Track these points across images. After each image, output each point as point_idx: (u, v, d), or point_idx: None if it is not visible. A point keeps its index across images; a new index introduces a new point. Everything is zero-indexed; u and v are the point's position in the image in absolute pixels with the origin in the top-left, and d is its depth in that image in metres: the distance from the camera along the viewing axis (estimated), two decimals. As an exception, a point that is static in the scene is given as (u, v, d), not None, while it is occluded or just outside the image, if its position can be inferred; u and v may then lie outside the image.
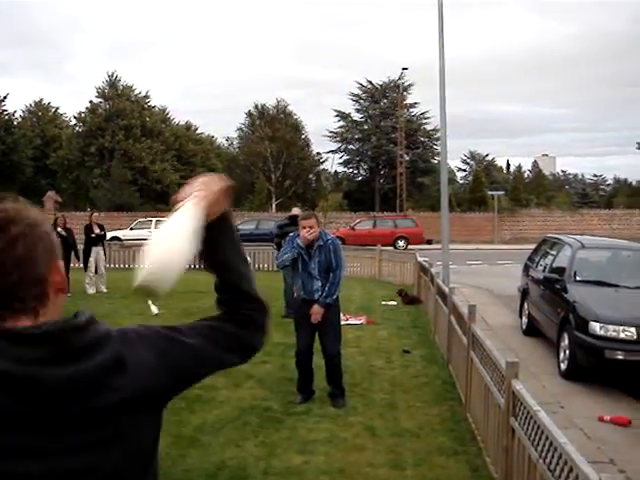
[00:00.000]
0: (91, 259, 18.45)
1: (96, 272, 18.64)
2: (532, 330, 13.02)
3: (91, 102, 65.53)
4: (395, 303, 16.26)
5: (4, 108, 64.13)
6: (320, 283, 8.27)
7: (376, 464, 6.41)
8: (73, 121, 69.43)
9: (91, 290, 18.44)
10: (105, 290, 18.46)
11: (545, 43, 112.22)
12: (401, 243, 38.73)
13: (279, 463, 6.43)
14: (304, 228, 8.25)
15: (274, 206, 59.12)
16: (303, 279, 8.38)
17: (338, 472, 6.21)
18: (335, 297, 8.37)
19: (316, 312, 8.25)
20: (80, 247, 18.61)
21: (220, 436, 7.13)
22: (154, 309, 9.64)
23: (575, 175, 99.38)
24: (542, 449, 4.53)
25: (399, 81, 64.02)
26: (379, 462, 6.46)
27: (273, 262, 20.75)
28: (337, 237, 30.30)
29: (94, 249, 18.50)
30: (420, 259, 17.29)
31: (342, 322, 13.10)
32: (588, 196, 78.54)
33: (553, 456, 4.29)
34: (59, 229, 17.91)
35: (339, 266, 8.34)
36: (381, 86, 67.68)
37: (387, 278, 21.44)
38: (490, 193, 53.30)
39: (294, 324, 8.78)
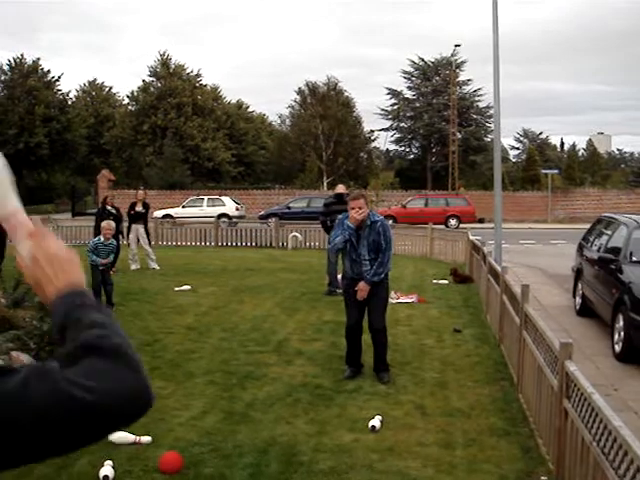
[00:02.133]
0: (131, 236, 18.67)
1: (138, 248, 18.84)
2: (586, 311, 12.84)
3: (144, 81, 66.15)
4: (447, 282, 16.16)
5: (58, 88, 64.98)
6: (369, 264, 8.33)
7: (426, 443, 6.39)
8: (126, 100, 70.23)
9: (133, 266, 18.61)
10: (157, 267, 18.57)
11: (596, 18, 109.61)
12: (453, 222, 38.44)
13: (329, 441, 6.44)
14: (353, 209, 8.26)
15: (325, 184, 59.05)
16: (352, 260, 8.45)
17: (388, 450, 6.21)
18: (382, 276, 8.42)
19: (362, 289, 8.35)
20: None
21: (271, 413, 7.17)
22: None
23: (631, 153, 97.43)
24: (596, 432, 4.47)
25: (451, 58, 63.36)
26: (429, 441, 6.44)
27: (324, 240, 20.78)
28: (388, 215, 30.45)
29: (134, 226, 18.73)
30: (472, 238, 17.15)
31: (393, 300, 13.18)
32: (645, 175, 76.93)
33: (607, 439, 4.22)
34: (108, 207, 18.16)
35: (388, 247, 8.40)
36: (433, 63, 67.04)
37: (439, 257, 21.31)
38: (544, 172, 52.59)
39: (344, 301, 8.83)
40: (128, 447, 6.25)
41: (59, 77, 64.76)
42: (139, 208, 18.78)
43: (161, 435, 6.52)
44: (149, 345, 9.98)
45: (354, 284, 8.42)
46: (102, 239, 12.58)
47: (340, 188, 15.05)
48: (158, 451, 6.05)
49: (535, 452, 6.23)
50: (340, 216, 8.73)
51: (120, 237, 18.70)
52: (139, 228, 18.78)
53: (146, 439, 6.38)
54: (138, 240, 18.76)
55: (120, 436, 6.38)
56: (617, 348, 10.18)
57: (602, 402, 4.49)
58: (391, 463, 5.95)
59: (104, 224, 12.96)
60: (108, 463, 5.72)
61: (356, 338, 8.61)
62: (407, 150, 71.33)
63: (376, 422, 6.74)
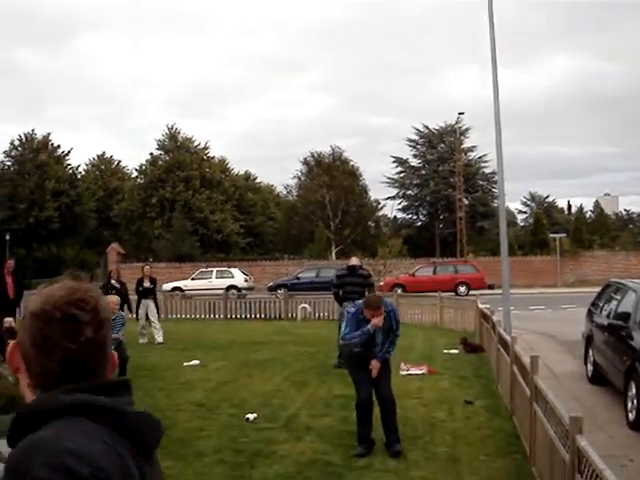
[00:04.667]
0: (141, 311, 18.74)
1: (148, 322, 18.86)
2: (598, 378, 12.71)
3: (151, 154, 67.02)
4: (457, 351, 16.06)
5: (68, 162, 65.89)
6: (381, 346, 8.61)
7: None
8: (134, 173, 71.04)
9: (141, 340, 18.62)
10: (161, 340, 18.55)
11: (594, 83, 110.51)
12: (462, 289, 38.35)
13: (340, 520, 6.36)
14: (373, 316, 8.38)
15: (334, 254, 59.17)
16: (366, 345, 8.56)
17: (401, 530, 6.12)
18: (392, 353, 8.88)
19: (375, 367, 8.55)
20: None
21: (280, 493, 7.09)
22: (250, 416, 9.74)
23: (639, 214, 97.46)
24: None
25: (456, 125, 64.04)
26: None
27: (333, 310, 20.76)
28: (397, 284, 30.42)
29: (143, 301, 18.79)
30: (481, 306, 17.11)
31: (403, 372, 13.11)
32: (653, 234, 76.85)
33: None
34: (113, 281, 18.28)
35: (397, 327, 8.84)
36: (438, 131, 67.78)
37: (449, 325, 21.22)
38: (551, 236, 52.62)
39: (353, 376, 8.85)
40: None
41: (69, 152, 65.76)
42: (147, 284, 18.89)
43: (169, 518, 6.44)
44: (157, 423, 9.89)
45: (365, 360, 8.55)
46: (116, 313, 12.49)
47: (353, 260, 15.20)
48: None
49: (550, 529, 6.12)
50: (352, 309, 8.81)
51: (127, 311, 18.78)
52: (149, 303, 18.85)
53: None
54: (147, 315, 18.80)
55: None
56: (631, 416, 10.04)
57: (612, 476, 4.43)
58: None
59: (110, 299, 12.99)
60: None
61: (369, 413, 8.59)
62: (414, 217, 71.63)
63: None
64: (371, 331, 8.42)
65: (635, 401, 9.90)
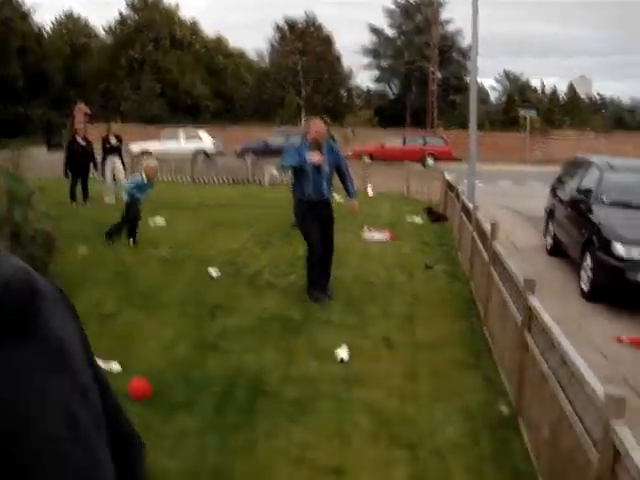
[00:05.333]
0: (107, 169, 18.49)
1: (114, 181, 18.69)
2: (557, 251, 13.00)
3: (120, 14, 65.03)
4: (421, 220, 16.26)
5: (34, 19, 63.78)
6: (326, 182, 9.00)
7: (392, 374, 6.53)
8: (102, 33, 69.06)
9: (107, 199, 18.47)
10: (113, 202, 18.46)
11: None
12: (430, 160, 38.43)
13: (297, 370, 6.57)
14: (317, 133, 8.91)
15: (303, 121, 58.68)
16: (315, 180, 8.88)
17: (354, 381, 6.34)
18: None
19: (356, 205, 9.74)
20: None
21: (240, 343, 7.27)
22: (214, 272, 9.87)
23: (612, 99, 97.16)
24: (554, 364, 4.60)
25: (434, -4, 62.58)
26: (395, 372, 6.58)
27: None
28: (367, 153, 30.26)
29: (109, 159, 18.51)
30: (447, 176, 17.22)
31: (367, 236, 13.27)
32: (624, 120, 76.94)
33: (564, 371, 4.35)
34: (79, 139, 18.01)
35: (347, 166, 9.46)
36: (415, 1, 66.27)
37: (415, 195, 21.37)
38: (522, 112, 52.47)
39: (304, 227, 9.17)
40: (98, 374, 6.33)
41: (34, 9, 63.54)
42: (113, 141, 18.58)
43: (131, 363, 6.60)
44: (122, 275, 10.03)
45: (317, 207, 8.98)
46: (144, 178, 12.29)
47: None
48: (127, 378, 6.13)
49: (497, 384, 6.39)
50: (296, 145, 9.34)
51: (92, 169, 18.61)
52: (115, 161, 18.61)
53: (116, 366, 6.46)
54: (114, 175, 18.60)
55: (90, 363, 6.46)
56: (584, 287, 10.35)
57: (561, 335, 4.61)
58: (356, 393, 6.09)
59: (152, 165, 12.80)
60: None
61: (321, 258, 9.08)
62: (387, 89, 70.83)
63: (344, 354, 6.86)
64: (307, 159, 8.72)
65: (589, 273, 10.18)
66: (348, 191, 9.47)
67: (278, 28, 67.47)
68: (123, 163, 18.92)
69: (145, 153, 36.46)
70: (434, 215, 16.45)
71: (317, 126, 9.01)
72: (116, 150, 18.66)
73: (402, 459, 4.94)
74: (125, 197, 12.22)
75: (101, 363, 6.36)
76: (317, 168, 8.81)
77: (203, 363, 6.68)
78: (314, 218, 8.98)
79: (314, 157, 8.71)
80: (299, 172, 8.93)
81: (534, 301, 5.41)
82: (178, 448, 5.02)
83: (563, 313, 8.99)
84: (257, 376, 6.38)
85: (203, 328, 7.74)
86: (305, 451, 5.01)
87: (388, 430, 5.38)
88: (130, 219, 12.16)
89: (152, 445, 4.95)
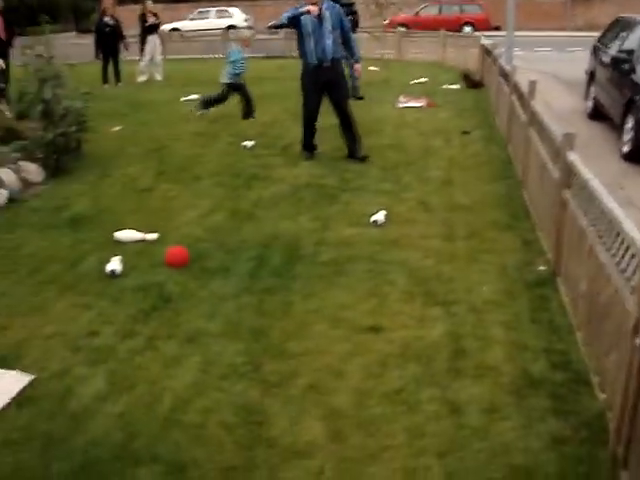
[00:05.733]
0: (148, 47, 18.19)
1: (151, 60, 18.47)
2: (597, 114, 12.65)
3: None
4: (458, 87, 15.89)
5: None
6: (332, 42, 8.95)
7: (428, 236, 6.50)
8: None
9: (142, 78, 18.32)
10: (160, 79, 18.34)
11: None
12: (467, 29, 37.32)
13: (332, 234, 6.56)
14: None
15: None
16: (317, 40, 8.91)
17: (390, 243, 6.32)
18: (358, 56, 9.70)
19: (358, 69, 9.97)
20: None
21: (275, 210, 7.28)
22: (248, 143, 9.85)
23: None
24: (593, 217, 4.50)
25: None
26: (431, 234, 6.54)
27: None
28: (401, 24, 29.30)
29: (149, 38, 18.19)
30: (484, 42, 16.72)
31: (401, 105, 13.04)
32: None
33: (603, 223, 4.26)
34: (106, 19, 17.68)
35: (350, 28, 9.43)
36: None
37: (451, 63, 20.82)
38: (563, -25, 50.39)
39: (304, 91, 9.35)
40: (135, 244, 6.41)
41: None
42: (152, 19, 18.22)
43: (167, 232, 6.66)
44: (156, 151, 10.03)
45: (319, 72, 9.02)
46: (241, 52, 12.01)
47: None
48: (165, 247, 6.19)
49: (535, 244, 6.32)
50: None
51: (122, 48, 18.37)
52: (155, 40, 18.31)
53: (152, 236, 6.51)
54: None
55: (127, 234, 6.54)
56: (625, 148, 10.10)
57: (600, 187, 4.50)
58: (392, 254, 6.08)
59: (246, 35, 12.64)
60: (115, 258, 5.86)
61: (314, 123, 9.44)
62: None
63: (379, 217, 6.82)
64: (303, 11, 8.84)
65: (631, 133, 9.91)
66: (352, 54, 9.49)
67: None
68: (161, 41, 18.66)
69: (175, 30, 36.04)
70: (471, 81, 16.03)
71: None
72: (155, 28, 18.35)
73: (438, 316, 4.95)
74: (227, 76, 11.85)
75: (138, 234, 6.44)
76: (319, 24, 8.86)
77: (239, 230, 6.71)
78: (314, 83, 9.10)
79: (310, 7, 8.80)
80: (301, 33, 8.99)
81: (572, 155, 5.27)
82: (216, 310, 5.08)
83: (603, 173, 8.78)
84: (292, 241, 6.40)
85: (238, 197, 7.74)
86: (341, 311, 5.04)
87: (424, 289, 5.38)
88: (245, 94, 12.11)
89: (190, 309, 5.04)
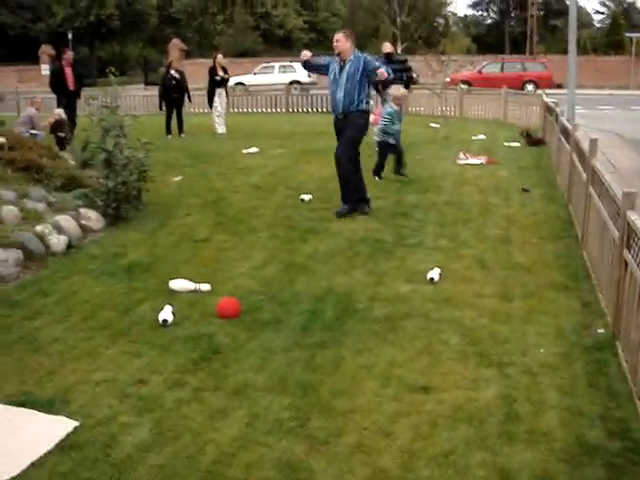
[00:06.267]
0: (216, 99, 18.48)
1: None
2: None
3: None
4: (518, 144, 15.80)
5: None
6: (343, 95, 9.03)
7: (484, 295, 6.38)
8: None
9: (220, 129, 18.56)
10: (224, 131, 18.56)
11: None
12: (529, 87, 37.26)
13: (386, 290, 6.49)
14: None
15: (400, 49, 57.67)
16: (333, 91, 9.23)
17: (444, 301, 6.22)
18: (360, 103, 9.15)
19: (382, 73, 9.07)
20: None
21: (330, 264, 7.24)
22: (305, 197, 9.92)
23: None
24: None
25: None
26: (487, 293, 6.43)
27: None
28: (464, 81, 29.49)
29: (217, 90, 18.49)
30: (546, 99, 16.64)
31: (461, 161, 12.98)
32: None
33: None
34: (172, 72, 18.11)
35: (379, 66, 9.16)
36: None
37: (512, 120, 20.77)
38: (628, 35, 50.14)
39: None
40: (188, 294, 6.42)
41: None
42: (221, 73, 18.53)
43: (221, 284, 6.66)
44: (214, 203, 10.11)
45: (335, 122, 9.50)
46: (394, 107, 11.57)
47: (387, 47, 15.14)
48: (217, 298, 6.18)
49: (594, 306, 6.16)
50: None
51: (187, 101, 18.78)
52: (222, 93, 18.62)
53: (206, 287, 6.52)
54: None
55: (181, 283, 6.56)
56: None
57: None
58: (446, 312, 5.98)
59: (399, 93, 11.84)
60: (168, 307, 5.87)
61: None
62: (484, 15, 68.97)
63: (434, 274, 6.73)
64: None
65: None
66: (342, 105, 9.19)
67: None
68: (227, 95, 18.94)
69: (239, 84, 36.70)
70: (532, 139, 15.94)
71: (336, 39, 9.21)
72: (224, 83, 18.64)
73: (491, 378, 4.82)
74: (377, 136, 11.54)
75: (192, 284, 6.45)
76: (337, 76, 9.07)
77: (292, 283, 6.68)
78: (336, 134, 9.55)
79: (304, 52, 9.53)
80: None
81: (633, 216, 5.14)
82: (265, 363, 5.03)
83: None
84: (346, 296, 6.34)
85: (293, 250, 7.73)
86: (392, 368, 4.95)
87: (478, 349, 5.26)
88: (398, 152, 11.57)
89: (239, 361, 5.00)
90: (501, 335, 5.52)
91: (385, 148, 11.38)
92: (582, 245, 7.76)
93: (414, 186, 11.00)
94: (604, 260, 6.30)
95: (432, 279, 6.68)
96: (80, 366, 5.05)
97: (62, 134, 14.27)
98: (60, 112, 15.14)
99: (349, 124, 9.18)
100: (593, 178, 7.35)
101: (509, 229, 8.63)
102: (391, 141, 11.30)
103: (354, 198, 9.27)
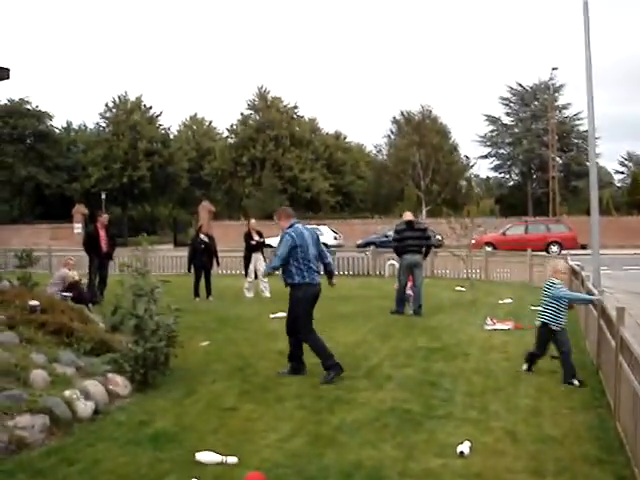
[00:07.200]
0: (251, 266, 18.74)
1: (255, 277, 18.88)
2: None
3: (242, 114, 67.75)
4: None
5: (160, 123, 67.15)
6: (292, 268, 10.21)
7: (515, 470, 6.22)
8: (226, 133, 71.96)
9: (249, 294, 18.75)
10: (269, 295, 18.62)
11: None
12: (554, 248, 37.63)
13: (416, 465, 6.35)
14: None
15: (424, 212, 58.78)
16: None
17: (475, 477, 6.07)
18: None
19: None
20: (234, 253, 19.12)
21: (358, 436, 7.12)
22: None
23: None
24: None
25: (550, 82, 62.47)
26: (519, 468, 6.26)
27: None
28: (488, 243, 30.00)
29: (254, 255, 18.77)
30: (572, 262, 16.74)
31: (489, 327, 12.96)
32: None
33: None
34: (202, 236, 18.55)
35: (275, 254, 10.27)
36: (531, 88, 66.32)
37: (538, 284, 20.79)
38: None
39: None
40: (215, 467, 6.32)
41: (160, 113, 66.99)
42: (257, 237, 18.89)
43: (247, 456, 6.57)
44: (241, 370, 10.10)
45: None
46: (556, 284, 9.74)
47: (408, 215, 16.03)
48: (244, 471, 6.08)
49: (631, 482, 5.98)
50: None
51: (215, 265, 19.11)
52: (259, 257, 18.88)
53: (232, 459, 6.43)
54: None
55: (208, 456, 6.48)
56: None
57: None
58: (478, 489, 5.82)
59: (561, 267, 10.15)
60: (193, 482, 5.79)
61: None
62: (507, 177, 70.52)
63: (465, 448, 6.60)
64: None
65: None
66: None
67: (395, 121, 68.65)
68: (264, 258, 19.15)
69: (267, 246, 37.25)
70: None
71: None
72: (260, 246, 18.92)
73: None
74: (555, 325, 9.75)
75: (219, 456, 6.37)
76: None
77: (320, 457, 6.56)
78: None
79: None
80: None
81: (666, 391, 5.08)
82: None
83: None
84: (375, 470, 6.20)
85: (321, 422, 7.63)
86: None
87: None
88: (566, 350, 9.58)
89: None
90: (536, 514, 5.35)
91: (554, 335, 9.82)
92: (614, 415, 7.61)
93: (441, 353, 10.97)
94: (638, 431, 6.17)
95: (462, 453, 6.55)
96: None
97: (69, 294, 14.40)
98: (74, 275, 15.33)
99: (291, 299, 10.56)
100: (622, 347, 7.31)
101: (539, 399, 8.50)
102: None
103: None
